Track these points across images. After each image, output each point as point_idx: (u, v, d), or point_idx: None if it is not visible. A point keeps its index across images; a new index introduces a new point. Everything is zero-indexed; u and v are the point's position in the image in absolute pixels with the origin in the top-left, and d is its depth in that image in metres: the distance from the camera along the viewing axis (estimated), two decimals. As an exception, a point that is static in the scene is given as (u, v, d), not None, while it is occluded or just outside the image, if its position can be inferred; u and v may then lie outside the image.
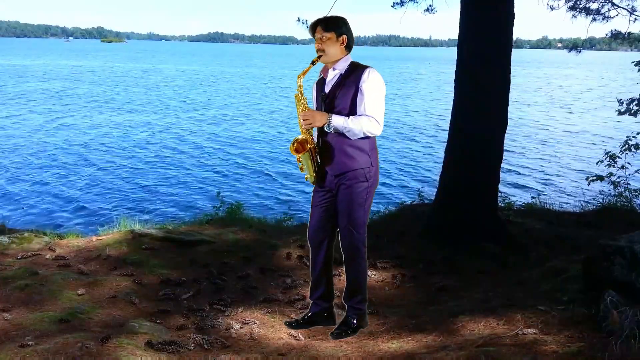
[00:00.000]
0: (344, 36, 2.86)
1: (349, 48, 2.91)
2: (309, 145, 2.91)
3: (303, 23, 7.02)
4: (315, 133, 2.99)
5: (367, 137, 2.85)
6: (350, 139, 2.83)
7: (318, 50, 2.88)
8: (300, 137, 2.94)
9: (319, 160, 2.95)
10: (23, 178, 12.81)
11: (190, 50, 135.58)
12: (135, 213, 9.13)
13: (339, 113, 2.83)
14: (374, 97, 2.81)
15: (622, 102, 8.39)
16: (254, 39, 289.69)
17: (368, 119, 2.78)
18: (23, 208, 10.73)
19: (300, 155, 2.93)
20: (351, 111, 2.82)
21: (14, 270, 3.87)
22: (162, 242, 4.75)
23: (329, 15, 2.96)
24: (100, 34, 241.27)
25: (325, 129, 2.85)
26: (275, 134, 19.78)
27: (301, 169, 3.03)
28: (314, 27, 2.89)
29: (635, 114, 8.21)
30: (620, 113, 8.42)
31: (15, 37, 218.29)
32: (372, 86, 2.81)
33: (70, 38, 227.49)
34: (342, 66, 2.89)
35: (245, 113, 25.18)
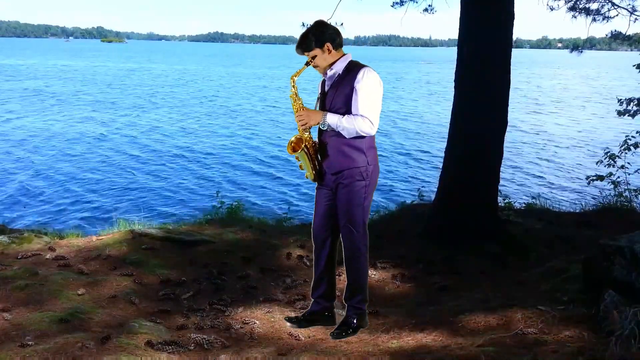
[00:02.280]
0: (327, 44, 2.87)
1: (339, 46, 2.92)
2: (303, 144, 2.93)
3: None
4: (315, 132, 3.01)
5: (363, 136, 2.86)
6: (346, 137, 2.85)
7: (313, 67, 2.94)
8: (296, 135, 2.97)
9: (318, 158, 2.97)
10: (23, 178, 12.80)
11: (189, 50, 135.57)
12: (135, 213, 9.13)
13: (335, 112, 2.86)
14: (368, 96, 2.83)
15: (622, 102, 8.38)
16: (254, 39, 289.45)
17: (362, 119, 2.80)
18: (24, 207, 10.73)
19: (296, 153, 2.96)
20: (347, 110, 2.85)
21: (14, 270, 3.87)
22: (162, 242, 4.75)
23: (303, 33, 2.93)
24: (100, 34, 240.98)
25: (320, 127, 2.90)
26: (276, 133, 19.78)
27: (301, 167, 3.05)
28: (299, 52, 2.93)
29: (633, 115, 8.22)
30: (620, 113, 8.43)
31: (15, 37, 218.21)
32: (366, 86, 2.83)
33: (70, 38, 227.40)
34: (339, 66, 2.92)
35: (245, 112, 25.17)
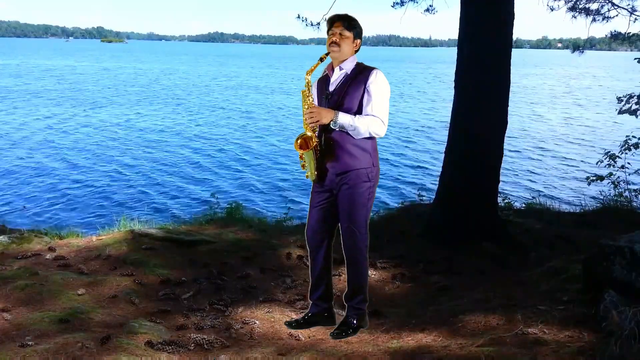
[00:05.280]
0: (359, 41, 2.93)
1: (356, 51, 2.96)
2: (313, 143, 2.90)
3: (303, 21, 6.98)
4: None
5: (370, 138, 2.86)
6: (353, 138, 2.84)
7: (332, 44, 2.86)
8: (305, 133, 2.91)
9: (321, 158, 2.95)
10: (23, 178, 12.80)
11: (187, 50, 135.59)
12: (135, 213, 9.12)
13: (345, 112, 2.84)
14: (380, 98, 2.83)
15: (622, 99, 8.34)
16: (253, 39, 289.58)
17: (374, 119, 2.80)
18: (23, 207, 10.73)
19: (303, 152, 2.92)
20: (358, 111, 2.84)
21: (14, 270, 3.87)
22: (162, 242, 4.75)
23: (348, 15, 2.96)
24: (100, 34, 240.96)
25: (332, 126, 2.84)
26: (276, 133, 19.77)
27: (303, 166, 3.00)
28: (333, 21, 2.90)
29: (635, 114, 8.18)
30: (620, 112, 8.40)
31: (15, 37, 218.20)
32: (378, 87, 2.84)
33: (70, 38, 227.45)
34: (348, 66, 2.91)
35: (245, 112, 25.18)
